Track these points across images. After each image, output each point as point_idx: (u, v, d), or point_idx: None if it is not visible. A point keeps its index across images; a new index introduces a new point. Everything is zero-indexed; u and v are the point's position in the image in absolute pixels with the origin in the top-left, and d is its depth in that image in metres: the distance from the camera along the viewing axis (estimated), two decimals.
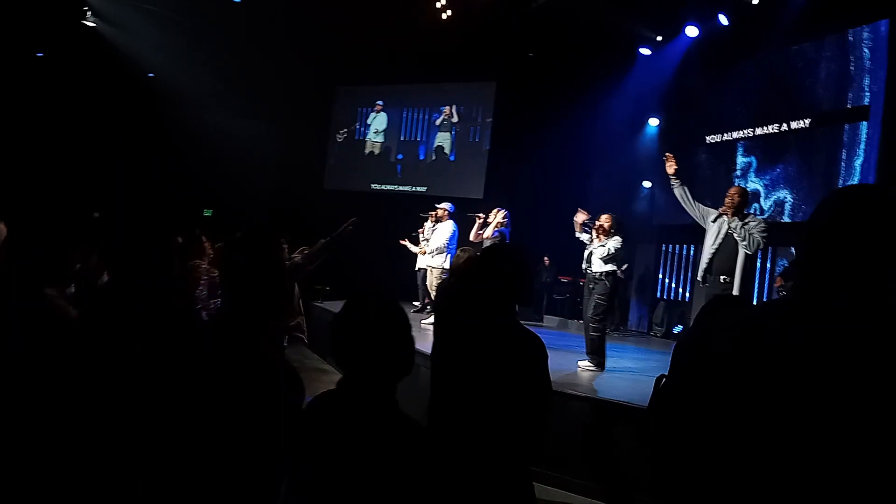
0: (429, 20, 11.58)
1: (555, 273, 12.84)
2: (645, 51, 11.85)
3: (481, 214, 9.18)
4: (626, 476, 4.64)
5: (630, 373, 7.09)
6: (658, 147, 12.48)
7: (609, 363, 7.05)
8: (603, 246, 6.83)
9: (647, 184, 12.75)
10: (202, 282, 5.70)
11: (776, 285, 8.65)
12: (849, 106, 9.11)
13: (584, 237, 7.22)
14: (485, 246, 8.50)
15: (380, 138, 15.35)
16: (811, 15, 9.11)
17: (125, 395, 1.80)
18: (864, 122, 8.78)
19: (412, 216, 11.48)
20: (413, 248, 11.14)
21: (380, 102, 15.29)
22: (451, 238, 9.39)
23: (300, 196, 14.39)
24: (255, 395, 1.72)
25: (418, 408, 4.95)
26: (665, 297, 12.18)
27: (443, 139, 14.59)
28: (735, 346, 1.30)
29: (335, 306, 9.98)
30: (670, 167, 6.23)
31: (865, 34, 8.92)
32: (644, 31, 11.32)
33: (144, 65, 13.37)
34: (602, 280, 6.82)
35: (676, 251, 12.21)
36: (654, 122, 12.66)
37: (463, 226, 9.43)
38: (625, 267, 11.87)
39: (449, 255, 9.14)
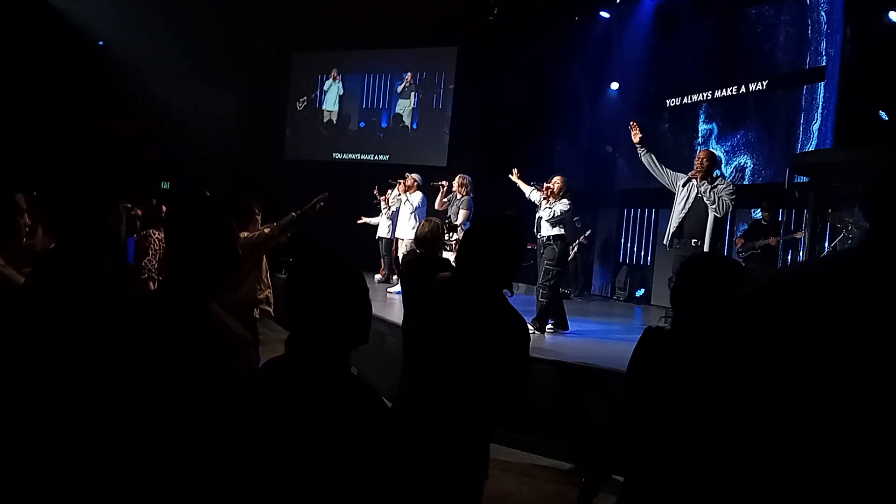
0: None
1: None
2: (605, 13, 11.83)
3: (444, 182, 9.17)
4: (594, 436, 4.72)
5: (594, 336, 7.18)
6: (619, 111, 12.53)
7: (574, 326, 7.13)
8: (550, 209, 6.79)
9: (608, 148, 12.79)
10: (151, 251, 5.61)
11: (737, 246, 8.81)
12: (806, 68, 9.22)
13: (535, 197, 7.14)
14: (451, 213, 8.47)
15: (337, 106, 15.10)
16: None
17: (62, 367, 1.73)
18: (822, 86, 8.91)
19: (375, 185, 11.37)
20: (372, 221, 11.08)
21: (335, 69, 15.01)
22: (420, 207, 9.36)
23: (260, 166, 14.15)
24: (197, 366, 1.66)
25: (387, 377, 4.93)
26: (627, 262, 12.32)
27: (404, 106, 14.41)
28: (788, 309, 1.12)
29: None
30: (635, 136, 6.21)
31: (822, 3, 8.99)
32: None
33: (94, 33, 12.91)
34: (550, 244, 6.79)
35: (638, 215, 12.32)
36: (615, 86, 12.67)
37: (430, 196, 9.40)
38: (588, 232, 11.99)
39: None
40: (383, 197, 10.85)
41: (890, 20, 7.69)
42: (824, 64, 8.91)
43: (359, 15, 12.56)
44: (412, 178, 9.61)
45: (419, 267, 4.55)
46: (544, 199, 6.92)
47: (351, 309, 1.68)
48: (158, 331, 1.70)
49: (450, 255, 6.17)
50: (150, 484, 1.64)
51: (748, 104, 10.07)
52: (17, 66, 12.22)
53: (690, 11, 10.51)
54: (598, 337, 7.18)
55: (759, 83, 9.87)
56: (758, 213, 9.10)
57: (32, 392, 1.75)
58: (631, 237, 12.41)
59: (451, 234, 7.64)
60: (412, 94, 14.32)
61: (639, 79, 11.89)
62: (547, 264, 6.77)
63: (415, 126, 14.31)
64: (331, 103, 15.14)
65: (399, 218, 9.70)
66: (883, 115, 7.66)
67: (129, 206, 6.25)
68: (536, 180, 7.34)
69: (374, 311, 1.86)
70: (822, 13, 8.98)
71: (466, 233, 2.48)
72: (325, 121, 15.19)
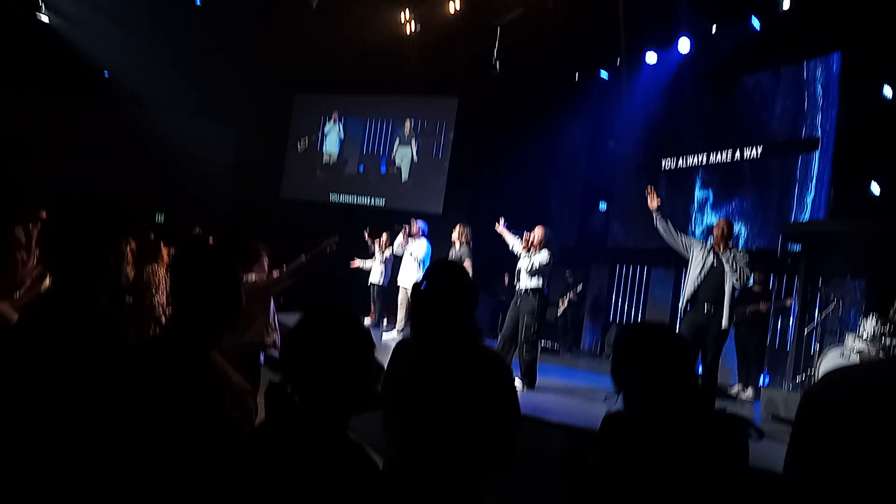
0: (393, 33, 11.58)
1: (512, 291, 12.85)
2: (604, 75, 12.06)
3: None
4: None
5: (581, 395, 7.12)
6: (615, 170, 12.70)
7: (562, 384, 7.06)
8: (530, 259, 6.71)
9: (602, 205, 12.90)
10: (154, 288, 5.55)
11: None
12: (802, 137, 9.39)
13: (516, 248, 7.06)
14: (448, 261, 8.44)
15: (336, 149, 15.21)
16: (767, 46, 9.38)
17: (56, 410, 1.68)
18: (816, 158, 9.06)
19: (371, 228, 11.39)
20: (365, 265, 11.05)
21: (337, 112, 15.17)
22: (426, 256, 9.37)
23: (255, 204, 14.17)
24: (194, 415, 1.62)
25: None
26: (618, 319, 12.31)
27: (403, 153, 14.54)
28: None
29: (289, 319, 9.81)
30: (652, 201, 6.21)
31: (819, 71, 9.21)
32: (604, 55, 11.51)
33: (99, 63, 13.03)
34: (529, 297, 6.69)
35: (629, 273, 12.36)
36: (611, 144, 12.84)
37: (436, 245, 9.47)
38: (579, 287, 12.00)
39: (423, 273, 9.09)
40: (376, 241, 10.86)
41: (884, 96, 7.87)
42: (819, 135, 9.07)
43: (363, 60, 12.76)
44: (416, 225, 9.59)
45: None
46: (524, 249, 6.86)
47: (357, 371, 1.57)
48: (156, 378, 1.67)
49: None
50: None
51: (744, 171, 10.20)
52: (19, 90, 12.28)
53: (689, 76, 10.72)
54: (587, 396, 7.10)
55: (755, 149, 10.02)
56: (750, 280, 9.15)
57: (26, 434, 1.70)
58: (622, 295, 12.42)
59: None
60: (412, 140, 14.46)
61: (635, 139, 12.07)
62: (528, 320, 6.64)
63: (412, 173, 14.41)
64: (331, 145, 15.26)
65: (402, 265, 9.66)
66: (875, 186, 7.78)
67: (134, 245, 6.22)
68: (529, 230, 7.31)
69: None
70: (819, 86, 9.18)
71: (416, 289, 2.43)
72: (324, 162, 15.28)
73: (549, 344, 11.38)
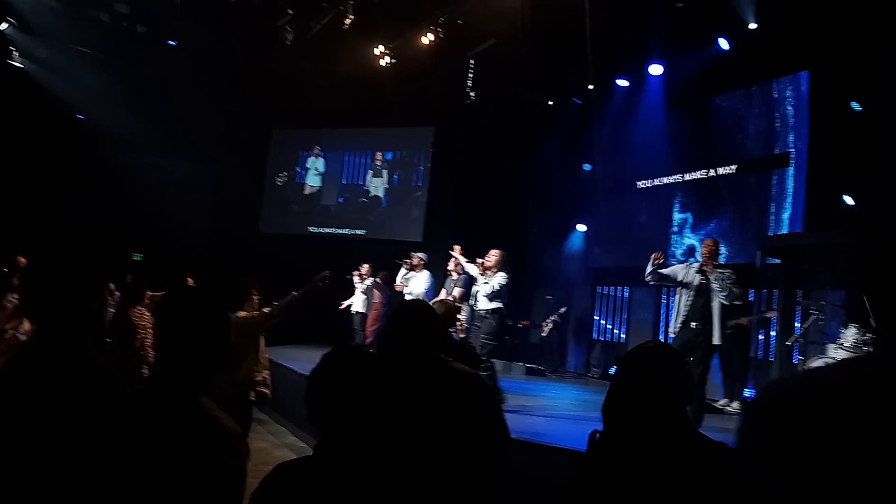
0: (368, 66, 11.68)
1: None
2: (577, 100, 12.26)
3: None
4: None
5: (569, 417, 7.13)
6: (592, 192, 12.85)
7: (548, 404, 7.08)
8: (486, 283, 6.76)
9: (581, 227, 13.02)
10: (145, 331, 5.45)
11: None
12: (776, 161, 9.56)
13: (473, 271, 7.13)
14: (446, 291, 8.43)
15: (318, 182, 15.26)
16: (737, 66, 9.59)
17: (49, 463, 1.66)
18: (791, 176, 9.25)
19: (351, 259, 11.41)
20: (351, 301, 11.10)
21: (317, 147, 15.26)
22: (430, 288, 9.37)
23: (235, 239, 14.12)
24: (187, 460, 1.59)
25: None
26: (602, 339, 12.37)
27: (377, 184, 14.62)
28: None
29: (272, 353, 9.74)
30: (657, 259, 6.30)
31: (788, 92, 9.43)
32: (578, 80, 11.70)
33: (74, 106, 13.01)
34: (488, 318, 6.74)
35: (611, 292, 12.45)
36: (587, 167, 13.01)
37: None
38: (563, 310, 12.07)
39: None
40: (357, 272, 10.89)
41: (854, 110, 8.07)
42: (792, 158, 9.25)
43: (339, 94, 12.86)
44: (418, 257, 9.58)
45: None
46: (480, 273, 6.91)
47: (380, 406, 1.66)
48: (147, 425, 1.63)
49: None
50: None
51: (721, 193, 10.34)
52: None
53: (662, 99, 10.91)
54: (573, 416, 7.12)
55: (729, 168, 10.20)
56: (737, 297, 9.25)
57: (19, 487, 1.68)
58: (604, 314, 12.50)
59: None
60: (384, 171, 14.56)
61: (611, 161, 12.24)
62: (483, 338, 6.67)
63: (388, 203, 14.47)
64: (312, 179, 15.31)
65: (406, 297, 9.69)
66: (847, 199, 7.93)
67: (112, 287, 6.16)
68: (512, 256, 7.36)
69: None
70: (790, 107, 9.39)
71: (388, 323, 2.52)
72: (305, 194, 15.32)
73: (534, 366, 11.42)
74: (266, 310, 4.58)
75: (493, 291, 6.69)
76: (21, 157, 12.50)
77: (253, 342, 4.58)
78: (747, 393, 8.24)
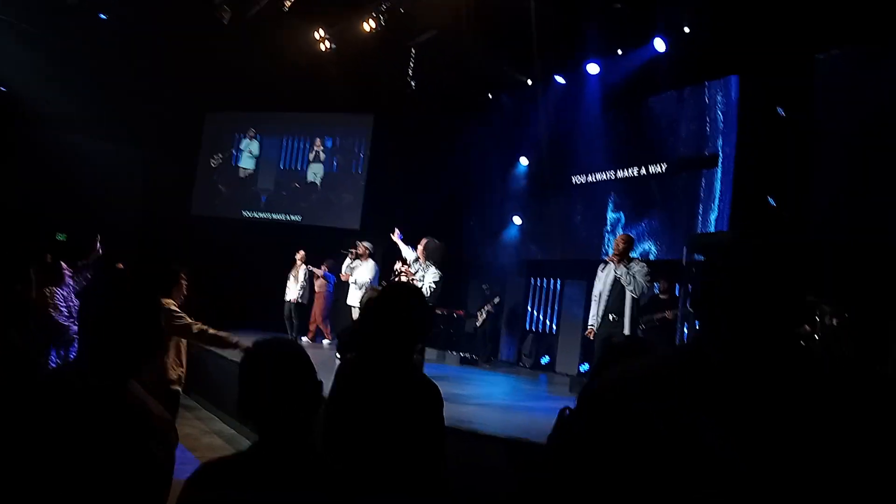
0: (308, 51, 11.53)
1: None
2: (506, 98, 12.45)
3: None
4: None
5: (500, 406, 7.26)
6: (528, 186, 13.05)
7: (481, 392, 7.19)
8: (422, 280, 6.60)
9: (517, 220, 13.21)
10: (57, 309, 5.27)
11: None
12: (705, 162, 9.92)
13: (409, 256, 7.04)
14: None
15: (251, 165, 14.97)
16: (671, 68, 9.86)
17: None
18: (719, 179, 9.63)
19: (286, 246, 11.30)
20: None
21: (253, 129, 14.96)
22: (375, 277, 9.39)
23: (165, 221, 13.74)
24: (112, 450, 1.56)
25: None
26: (533, 330, 12.60)
27: (316, 170, 14.47)
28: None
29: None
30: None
31: (719, 97, 9.77)
32: (516, 74, 11.84)
33: None
34: None
35: (544, 285, 12.69)
36: (524, 160, 13.19)
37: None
38: (496, 300, 12.23)
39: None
40: (297, 267, 10.90)
41: (780, 113, 8.44)
42: (721, 160, 9.61)
43: (278, 78, 12.65)
44: (363, 246, 9.64)
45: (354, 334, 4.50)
46: (415, 260, 6.87)
47: (308, 390, 1.68)
48: (70, 412, 1.58)
49: None
50: None
51: (652, 193, 10.65)
52: None
53: (598, 97, 11.14)
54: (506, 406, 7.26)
55: (660, 166, 10.52)
56: (657, 288, 9.56)
57: None
58: (537, 306, 12.73)
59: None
60: (322, 157, 14.41)
61: (547, 156, 12.43)
62: None
63: (327, 189, 14.34)
64: (246, 161, 15.00)
65: (350, 287, 9.64)
66: (771, 200, 8.30)
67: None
68: (448, 245, 7.35)
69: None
70: (720, 112, 9.74)
71: (369, 308, 2.48)
72: (240, 177, 15.01)
73: (468, 355, 11.56)
74: (196, 325, 4.32)
75: (430, 293, 6.60)
76: None
77: (173, 339, 4.41)
78: None
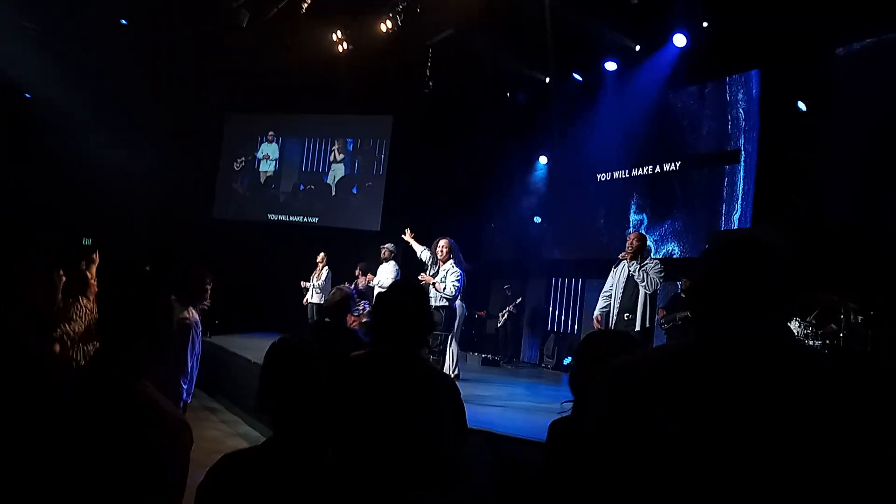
0: (325, 52, 11.56)
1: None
2: (521, 96, 12.40)
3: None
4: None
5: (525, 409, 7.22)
6: (548, 184, 12.97)
7: (503, 394, 7.15)
8: (443, 284, 6.96)
9: (537, 219, 13.14)
10: (79, 321, 5.28)
11: (658, 317, 9.07)
12: (727, 158, 9.78)
13: (425, 256, 7.27)
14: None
15: (272, 168, 15.06)
16: (692, 63, 9.76)
17: None
18: (741, 177, 9.49)
19: (308, 248, 11.32)
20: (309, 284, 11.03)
21: (272, 132, 15.05)
22: (397, 278, 9.30)
23: (187, 224, 13.87)
24: (128, 450, 1.57)
25: None
26: (555, 330, 12.52)
27: (337, 171, 14.51)
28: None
29: (225, 341, 9.64)
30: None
31: (740, 93, 9.63)
32: (533, 72, 11.77)
33: (21, 85, 12.57)
34: (438, 310, 6.91)
35: (566, 285, 12.60)
36: (543, 160, 13.12)
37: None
38: (518, 300, 12.18)
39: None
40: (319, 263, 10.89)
41: (799, 108, 8.31)
42: (743, 159, 9.47)
43: (296, 79, 12.70)
44: (386, 248, 9.64)
45: (327, 335, 4.50)
46: (433, 263, 7.14)
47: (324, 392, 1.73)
48: (87, 411, 1.60)
49: None
50: None
51: (674, 193, 10.53)
52: None
53: (618, 94, 11.04)
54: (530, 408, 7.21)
55: (680, 163, 10.41)
56: (678, 287, 9.46)
57: None
58: (559, 306, 12.65)
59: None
60: (343, 159, 14.45)
61: (566, 155, 12.36)
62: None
63: (347, 190, 14.37)
64: (267, 164, 15.10)
65: (375, 288, 9.66)
66: (795, 199, 8.15)
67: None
68: (468, 247, 7.45)
69: None
70: (741, 110, 9.60)
71: (380, 304, 2.51)
72: (261, 182, 15.10)
73: (490, 356, 11.52)
74: (199, 340, 4.21)
75: (451, 295, 6.89)
76: None
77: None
78: None
